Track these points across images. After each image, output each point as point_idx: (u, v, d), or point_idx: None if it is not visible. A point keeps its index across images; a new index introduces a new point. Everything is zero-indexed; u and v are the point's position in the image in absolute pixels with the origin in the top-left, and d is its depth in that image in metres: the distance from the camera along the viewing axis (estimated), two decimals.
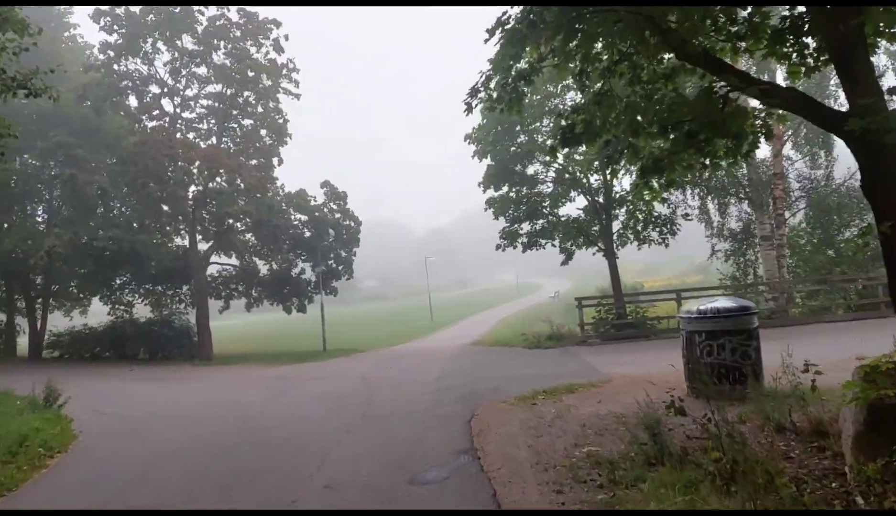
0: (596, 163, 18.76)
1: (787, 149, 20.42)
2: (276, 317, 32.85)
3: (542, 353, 16.84)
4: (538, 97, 19.54)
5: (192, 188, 26.61)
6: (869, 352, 11.55)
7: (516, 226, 20.32)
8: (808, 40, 6.51)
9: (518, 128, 19.81)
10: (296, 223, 28.23)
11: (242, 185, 26.20)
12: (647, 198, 7.82)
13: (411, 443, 7.96)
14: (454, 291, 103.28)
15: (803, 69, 6.73)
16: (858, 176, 16.89)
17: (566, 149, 16.66)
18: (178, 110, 27.12)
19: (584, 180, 19.87)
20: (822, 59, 6.58)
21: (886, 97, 6.04)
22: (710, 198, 21.05)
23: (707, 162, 7.46)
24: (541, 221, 20.05)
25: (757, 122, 6.99)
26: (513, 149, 19.99)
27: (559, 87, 19.63)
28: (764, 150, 19.95)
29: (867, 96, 5.44)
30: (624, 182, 19.81)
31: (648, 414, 7.41)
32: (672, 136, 6.91)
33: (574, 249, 19.99)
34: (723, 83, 6.48)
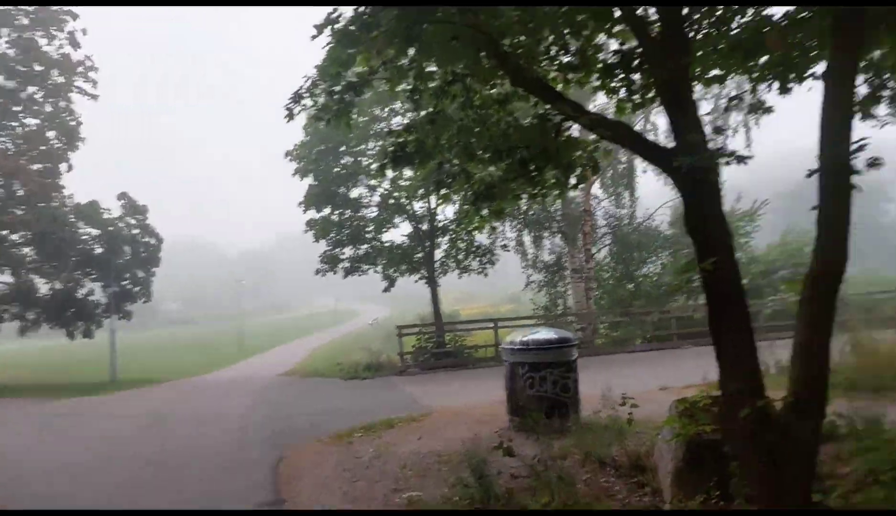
0: (421, 190, 18.63)
1: (596, 189, 21.80)
2: (61, 341, 28.89)
3: (360, 384, 16.15)
4: (365, 119, 19.09)
5: None
6: (669, 382, 12.30)
7: (338, 250, 19.56)
8: (636, 76, 6.58)
9: (343, 148, 19.18)
10: (85, 237, 25.05)
11: (21, 192, 22.79)
12: (476, 226, 7.49)
13: (207, 497, 6.86)
14: (269, 316, 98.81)
15: (630, 105, 6.81)
16: (657, 216, 18.12)
17: (394, 172, 16.25)
18: None
19: (409, 206, 19.66)
20: (647, 96, 6.71)
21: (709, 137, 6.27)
22: (526, 230, 21.82)
23: (537, 192, 7.34)
24: (364, 246, 19.47)
25: (584, 155, 6.96)
26: (336, 169, 19.29)
27: (386, 110, 19.33)
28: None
29: (693, 133, 5.48)
30: (448, 211, 19.88)
31: (472, 451, 7.03)
32: (505, 163, 6.67)
33: (397, 276, 19.64)
34: (556, 112, 6.36)
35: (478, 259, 19.57)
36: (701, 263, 5.39)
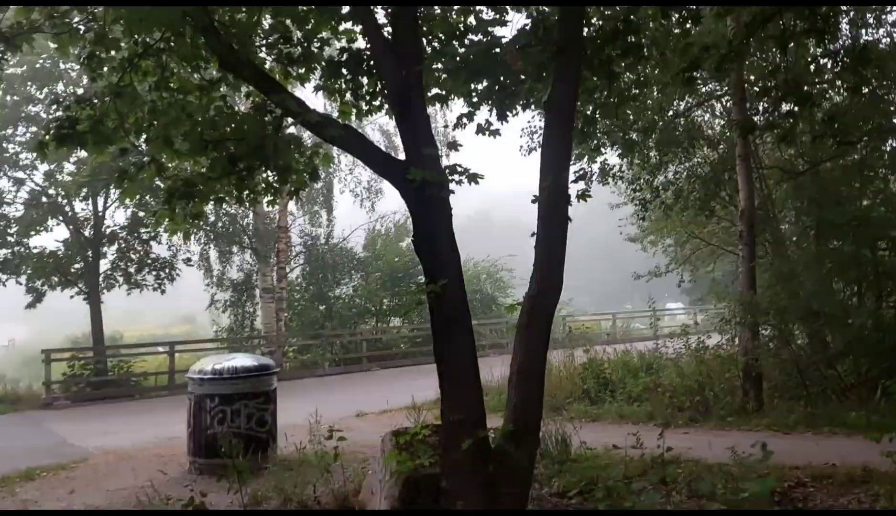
0: (86, 189, 15.76)
1: (291, 205, 20.89)
2: None
3: None
4: (15, 98, 15.64)
5: None
6: (365, 407, 12.01)
7: None
8: (364, 80, 6.08)
9: None
10: None
11: None
12: (170, 229, 6.21)
13: None
14: None
15: (355, 111, 6.28)
16: (353, 238, 17.84)
17: (53, 156, 13.44)
18: None
19: (68, 208, 16.39)
20: (374, 103, 6.24)
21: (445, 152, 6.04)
22: (213, 244, 19.89)
23: (245, 196, 6.36)
24: (3, 251, 15.64)
25: (303, 159, 6.21)
26: None
27: (44, 91, 16.08)
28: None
29: (427, 146, 5.15)
30: (118, 216, 17.18)
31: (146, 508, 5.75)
32: (211, 158, 5.59)
33: (46, 289, 16.17)
34: (276, 105, 5.52)
35: (155, 273, 17.15)
36: (428, 285, 5.03)
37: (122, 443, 9.58)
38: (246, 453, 7.35)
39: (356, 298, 21.55)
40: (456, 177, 5.24)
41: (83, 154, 15.76)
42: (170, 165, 5.91)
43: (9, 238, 15.75)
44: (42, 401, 14.63)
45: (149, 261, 17.08)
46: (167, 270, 17.33)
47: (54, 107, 5.71)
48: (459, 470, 4.89)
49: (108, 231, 16.81)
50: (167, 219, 6.09)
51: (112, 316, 17.37)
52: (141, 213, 16.62)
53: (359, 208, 22.11)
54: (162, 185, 13.63)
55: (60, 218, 16.33)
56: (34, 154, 5.36)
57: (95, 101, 5.55)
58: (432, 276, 5.04)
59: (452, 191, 5.19)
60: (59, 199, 16.36)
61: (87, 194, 16.14)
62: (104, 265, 16.87)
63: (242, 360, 7.80)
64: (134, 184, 5.82)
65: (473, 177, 5.29)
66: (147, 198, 16.38)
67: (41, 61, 15.40)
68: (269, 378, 7.80)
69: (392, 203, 23.02)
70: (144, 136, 5.73)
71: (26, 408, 14.18)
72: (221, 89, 6.14)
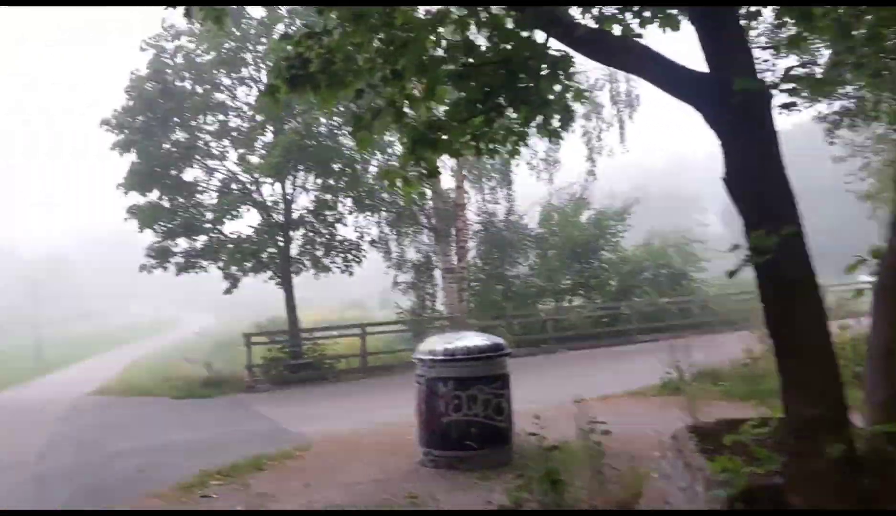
0: (271, 180, 15.96)
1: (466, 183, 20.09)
2: None
3: (201, 406, 12.99)
4: (206, 87, 16.05)
5: None
6: (580, 391, 10.80)
7: (169, 242, 16.08)
8: None
9: (176, 119, 15.83)
10: None
11: None
12: (400, 189, 5.35)
13: None
14: (75, 326, 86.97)
15: (622, 25, 5.02)
16: (530, 214, 16.27)
17: (241, 145, 13.26)
18: None
19: (257, 194, 16.63)
20: (644, 14, 4.96)
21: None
22: (391, 225, 19.60)
23: (482, 145, 5.34)
24: (202, 238, 16.19)
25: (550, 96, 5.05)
26: (166, 146, 15.86)
27: (231, 77, 16.33)
28: (447, 180, 19.45)
29: (741, 53, 3.83)
30: (302, 199, 17.22)
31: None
32: (464, 92, 4.63)
33: (240, 275, 16.51)
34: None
35: (342, 255, 17.08)
36: (754, 238, 3.69)
37: (336, 429, 9.10)
38: (485, 445, 6.49)
39: (533, 277, 20.54)
40: (788, 85, 3.86)
41: (269, 138, 16.18)
42: (403, 109, 5.01)
43: (205, 225, 16.22)
44: (245, 385, 14.92)
45: (336, 244, 17.06)
46: (354, 252, 17.24)
47: (282, 42, 4.95)
48: (822, 482, 3.61)
49: (296, 214, 16.92)
50: (398, 180, 5.27)
51: (282, 303, 17.44)
52: (327, 196, 16.59)
53: (534, 182, 20.91)
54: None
55: (250, 204, 16.61)
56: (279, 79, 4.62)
57: (324, 39, 4.78)
58: (761, 225, 3.69)
59: (793, 104, 3.84)
60: (248, 185, 16.65)
61: (275, 179, 16.27)
62: (293, 250, 17.01)
63: (474, 339, 6.91)
64: (369, 132, 5.02)
65: (820, 86, 3.89)
66: (330, 180, 16.31)
67: (227, 48, 15.64)
68: (503, 359, 6.85)
69: (569, 174, 21.57)
70: (380, 75, 4.87)
71: (231, 391, 14.46)
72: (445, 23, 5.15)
